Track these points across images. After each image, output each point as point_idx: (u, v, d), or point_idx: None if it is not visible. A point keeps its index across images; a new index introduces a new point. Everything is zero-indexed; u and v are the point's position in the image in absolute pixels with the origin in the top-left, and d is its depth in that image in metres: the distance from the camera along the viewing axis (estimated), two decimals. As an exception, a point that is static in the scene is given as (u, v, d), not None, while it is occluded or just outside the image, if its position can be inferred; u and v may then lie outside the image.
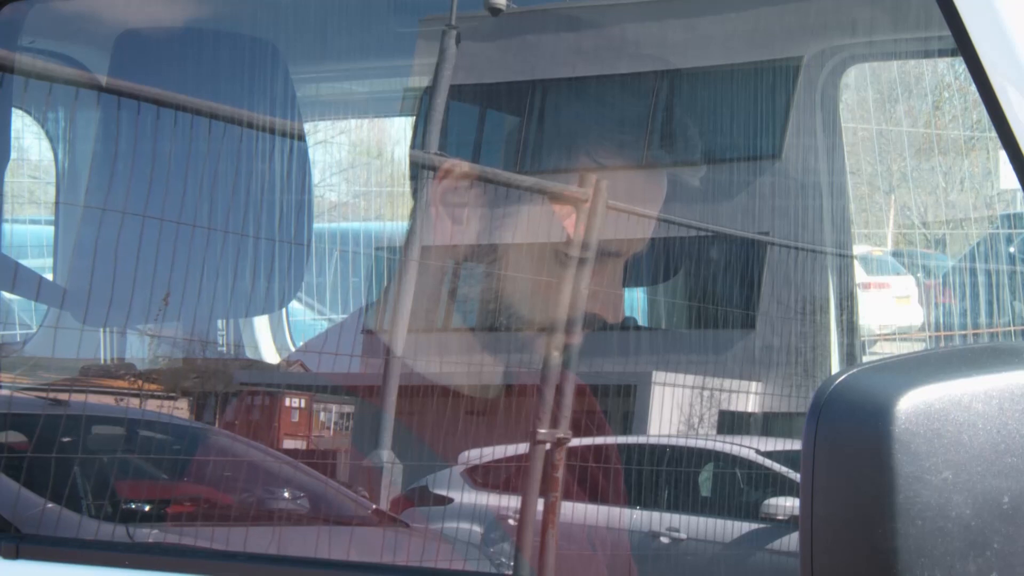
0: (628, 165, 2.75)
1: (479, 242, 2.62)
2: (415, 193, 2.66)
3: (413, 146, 2.71)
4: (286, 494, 2.70)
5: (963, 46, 1.72)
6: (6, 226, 2.88)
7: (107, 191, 2.78)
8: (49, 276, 3.01)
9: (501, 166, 2.76)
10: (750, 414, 2.88)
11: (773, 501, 2.80)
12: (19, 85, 2.73)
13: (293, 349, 3.46)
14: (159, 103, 2.62)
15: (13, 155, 2.76)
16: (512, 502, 2.48)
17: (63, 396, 2.75)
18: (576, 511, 2.66)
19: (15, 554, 2.24)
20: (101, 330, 2.86)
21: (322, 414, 2.77)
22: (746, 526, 2.79)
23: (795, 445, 2.87)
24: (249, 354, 3.31)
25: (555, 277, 2.47)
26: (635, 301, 3.30)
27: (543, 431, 2.37)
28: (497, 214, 2.64)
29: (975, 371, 1.40)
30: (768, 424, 2.90)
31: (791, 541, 2.68)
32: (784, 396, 2.87)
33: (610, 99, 2.79)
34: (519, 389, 2.59)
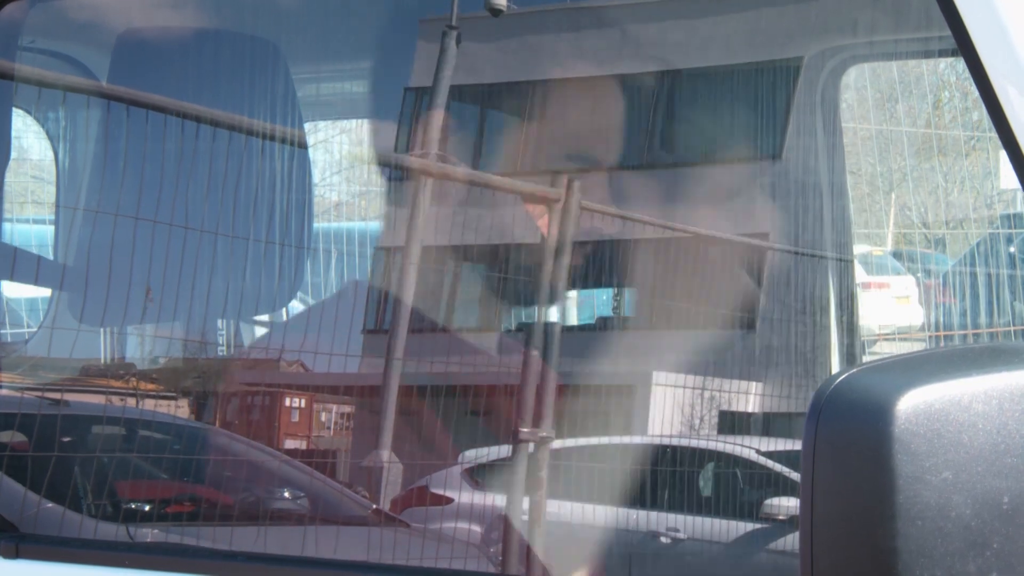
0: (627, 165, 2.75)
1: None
2: (411, 192, 2.66)
3: (412, 146, 2.71)
4: (285, 493, 2.70)
5: (963, 46, 1.72)
6: (7, 225, 2.88)
7: (106, 192, 2.78)
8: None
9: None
10: (750, 414, 2.88)
11: (773, 501, 2.80)
12: (19, 85, 2.73)
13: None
14: (159, 104, 2.62)
15: (13, 155, 2.76)
16: (505, 501, 2.48)
17: (63, 396, 2.75)
18: (575, 511, 2.66)
19: (15, 554, 2.24)
20: (100, 330, 2.86)
21: (323, 414, 2.77)
22: (746, 526, 2.79)
23: (795, 445, 2.87)
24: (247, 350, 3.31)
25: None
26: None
27: (527, 430, 2.38)
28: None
29: (975, 371, 1.39)
30: (768, 424, 2.90)
31: (791, 541, 2.68)
32: (784, 396, 2.87)
33: (610, 98, 2.79)
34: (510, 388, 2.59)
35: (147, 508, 2.59)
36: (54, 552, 2.28)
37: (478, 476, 2.67)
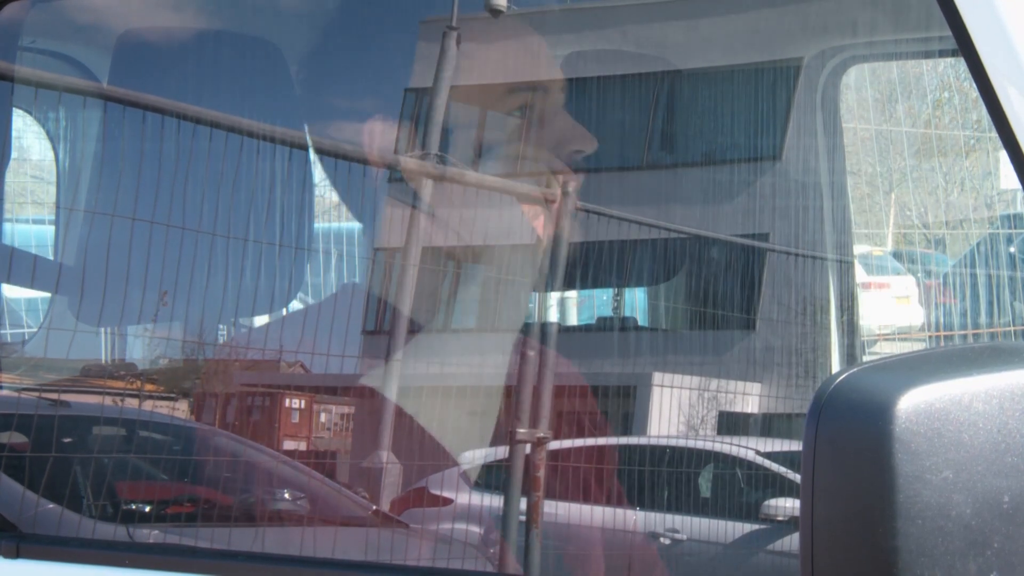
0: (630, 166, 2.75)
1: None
2: (410, 193, 2.66)
3: (411, 147, 2.71)
4: (285, 493, 2.70)
5: (964, 46, 1.72)
6: (7, 225, 2.88)
7: (106, 193, 2.78)
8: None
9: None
10: (750, 415, 2.88)
11: (773, 502, 2.80)
12: (19, 85, 2.73)
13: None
14: (159, 105, 2.62)
15: (13, 155, 2.76)
16: (503, 502, 2.48)
17: (63, 396, 2.75)
18: (576, 512, 2.66)
19: (15, 553, 2.24)
20: (100, 331, 2.86)
21: (323, 415, 2.77)
22: (746, 526, 2.79)
23: (795, 446, 2.87)
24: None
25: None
26: (636, 302, 3.30)
27: (525, 431, 2.38)
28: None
29: (975, 370, 1.39)
30: (769, 425, 2.90)
31: (791, 541, 2.68)
32: (784, 397, 2.87)
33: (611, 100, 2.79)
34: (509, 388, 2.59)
35: (147, 508, 2.59)
36: (55, 552, 2.28)
37: (476, 477, 2.67)
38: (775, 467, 2.85)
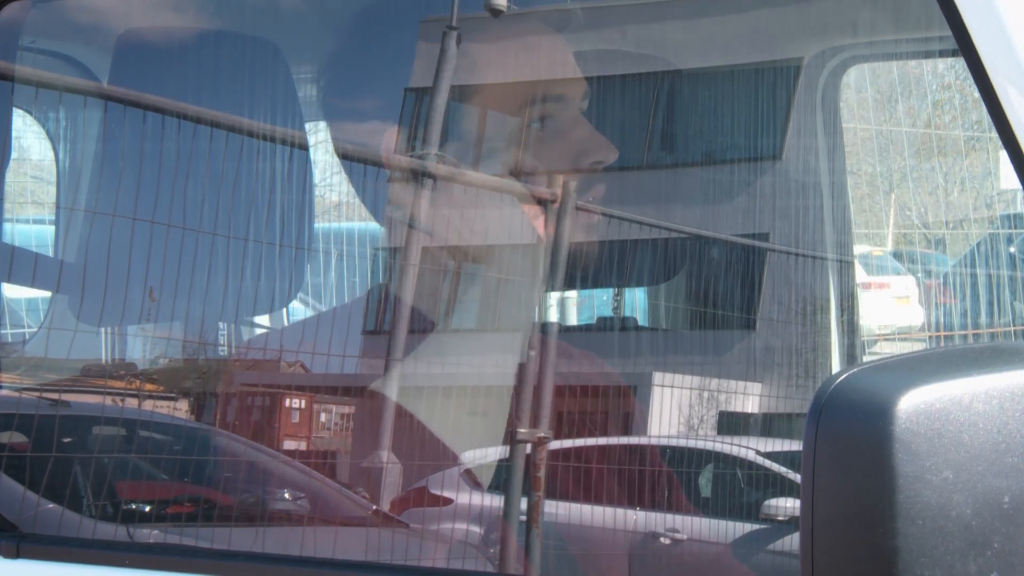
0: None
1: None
2: (410, 193, 2.66)
3: (413, 147, 2.71)
4: (285, 493, 2.70)
5: (964, 46, 1.72)
6: (7, 225, 2.88)
7: (106, 193, 2.78)
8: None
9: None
10: (750, 415, 2.88)
11: (773, 501, 2.80)
12: (19, 85, 2.73)
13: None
14: (159, 105, 2.63)
15: (13, 155, 2.76)
16: (504, 502, 2.48)
17: (63, 396, 2.75)
18: (576, 511, 2.66)
19: (15, 553, 2.24)
20: (100, 331, 2.86)
21: (323, 415, 2.77)
22: (746, 526, 2.79)
23: (795, 446, 2.87)
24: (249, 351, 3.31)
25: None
26: (636, 301, 3.30)
27: (525, 431, 2.38)
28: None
29: (976, 371, 1.40)
30: (769, 425, 2.90)
31: (791, 542, 2.68)
32: (784, 397, 2.87)
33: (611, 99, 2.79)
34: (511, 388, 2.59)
35: (147, 508, 2.59)
36: (55, 552, 2.28)
37: (477, 477, 2.67)
38: (775, 467, 2.85)
